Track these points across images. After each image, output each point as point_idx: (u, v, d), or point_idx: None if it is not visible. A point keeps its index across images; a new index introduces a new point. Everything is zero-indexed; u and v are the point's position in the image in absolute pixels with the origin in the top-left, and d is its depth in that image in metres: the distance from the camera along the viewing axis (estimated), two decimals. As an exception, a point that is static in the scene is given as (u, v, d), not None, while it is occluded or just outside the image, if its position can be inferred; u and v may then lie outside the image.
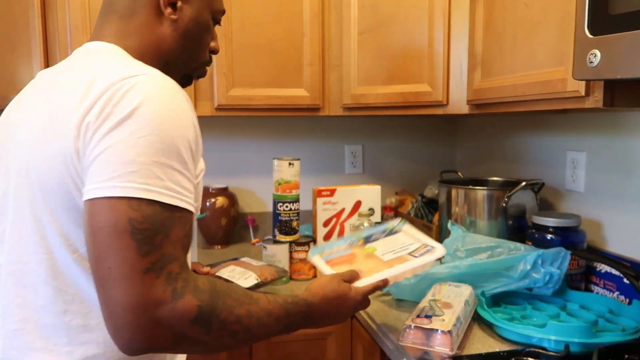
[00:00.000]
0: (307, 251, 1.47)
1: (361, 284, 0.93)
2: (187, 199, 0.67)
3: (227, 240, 1.88)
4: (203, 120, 1.87)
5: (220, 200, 1.82)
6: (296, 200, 1.46)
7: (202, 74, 0.92)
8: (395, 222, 1.13)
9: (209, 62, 0.91)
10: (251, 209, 1.99)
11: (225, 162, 1.97)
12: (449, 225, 1.38)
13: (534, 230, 1.33)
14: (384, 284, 0.96)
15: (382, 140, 2.10)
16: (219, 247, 1.85)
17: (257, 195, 2.00)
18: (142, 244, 0.62)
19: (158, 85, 0.68)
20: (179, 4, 0.81)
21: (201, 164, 0.76)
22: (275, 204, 1.46)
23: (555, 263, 1.16)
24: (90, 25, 1.47)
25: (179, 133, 0.67)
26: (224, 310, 0.67)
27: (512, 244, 1.24)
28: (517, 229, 1.42)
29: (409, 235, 1.08)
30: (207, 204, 1.80)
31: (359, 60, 1.59)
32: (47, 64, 1.50)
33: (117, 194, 0.62)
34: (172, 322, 0.63)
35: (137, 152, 0.63)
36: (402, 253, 1.01)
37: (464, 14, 1.41)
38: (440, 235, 1.56)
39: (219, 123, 1.94)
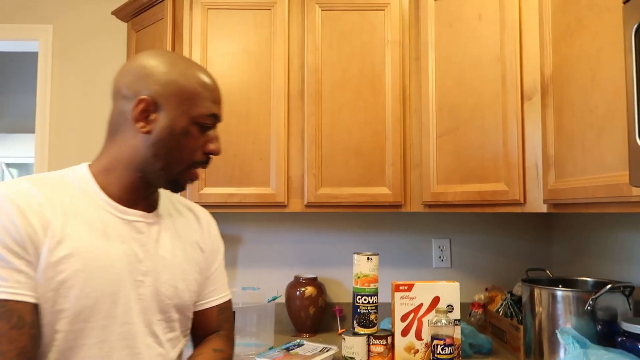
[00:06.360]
0: (385, 345, 1.50)
1: None
2: (5, 289, 0.76)
3: (316, 329, 1.97)
4: (295, 216, 2.09)
5: (310, 290, 1.93)
6: (374, 293, 1.52)
7: (193, 178, 0.93)
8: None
9: (204, 162, 0.93)
10: (339, 299, 2.07)
11: (315, 253, 2.10)
12: (558, 334, 1.28)
13: (624, 338, 1.24)
14: None
15: (470, 234, 2.10)
16: (307, 335, 1.93)
17: (344, 286, 2.08)
18: None
19: None
20: (153, 116, 0.87)
21: (58, 252, 0.81)
22: (354, 296, 1.53)
23: None
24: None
25: None
26: None
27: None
28: (609, 334, 1.33)
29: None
30: (297, 293, 1.93)
31: (437, 160, 1.68)
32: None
33: None
34: None
35: None
36: (314, 352, 1.56)
37: (536, 117, 1.46)
38: (525, 336, 1.51)
39: (309, 218, 2.11)
